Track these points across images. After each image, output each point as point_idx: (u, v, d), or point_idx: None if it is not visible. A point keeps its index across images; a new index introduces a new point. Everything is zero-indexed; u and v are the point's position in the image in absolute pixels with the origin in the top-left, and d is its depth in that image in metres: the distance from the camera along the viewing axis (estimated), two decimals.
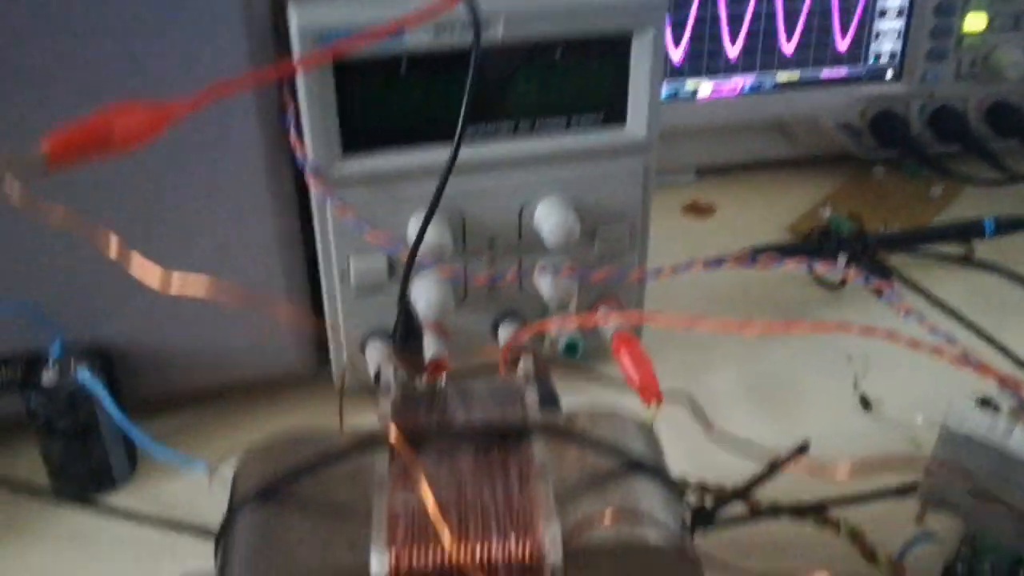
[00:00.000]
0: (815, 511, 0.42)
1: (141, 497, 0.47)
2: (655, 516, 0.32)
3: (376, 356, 0.49)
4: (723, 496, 0.37)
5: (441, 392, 0.36)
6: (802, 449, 0.36)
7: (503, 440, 0.33)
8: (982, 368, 0.42)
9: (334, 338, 0.49)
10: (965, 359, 0.41)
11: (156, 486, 0.47)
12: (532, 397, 0.35)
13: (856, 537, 0.41)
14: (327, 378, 0.52)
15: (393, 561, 0.30)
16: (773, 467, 0.36)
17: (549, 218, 0.47)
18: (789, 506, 0.42)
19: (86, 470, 0.45)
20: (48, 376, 0.44)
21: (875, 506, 0.43)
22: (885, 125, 0.70)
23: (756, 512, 0.42)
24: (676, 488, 0.34)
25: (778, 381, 0.52)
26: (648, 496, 0.33)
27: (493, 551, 0.30)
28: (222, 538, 0.33)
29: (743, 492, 0.37)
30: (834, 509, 0.42)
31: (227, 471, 0.35)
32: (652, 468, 0.34)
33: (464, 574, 0.30)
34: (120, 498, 0.46)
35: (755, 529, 0.43)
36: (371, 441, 0.33)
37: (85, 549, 0.44)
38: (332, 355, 0.50)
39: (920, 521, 0.43)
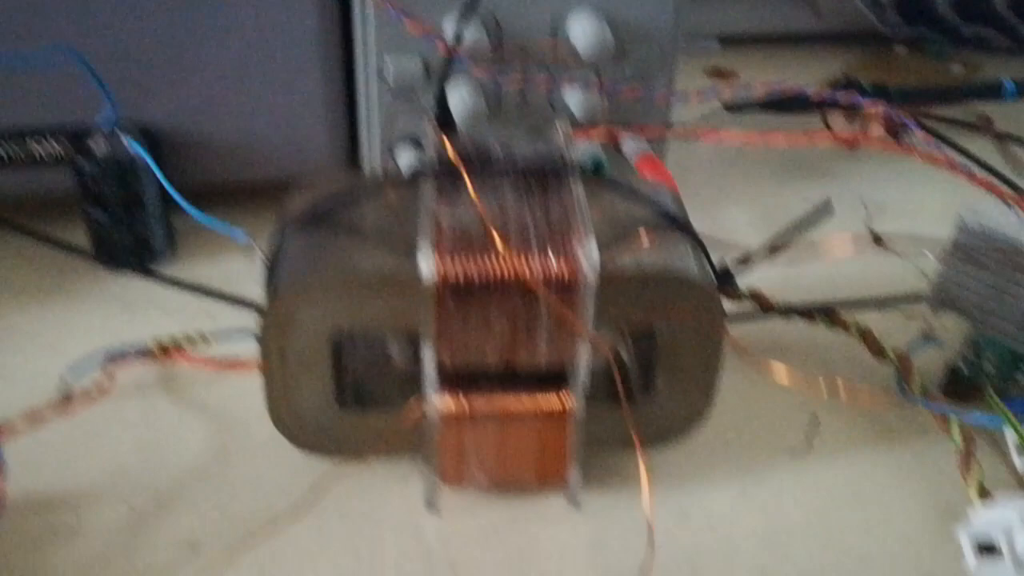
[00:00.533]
0: (825, 312, 0.44)
1: (180, 275, 0.48)
2: (684, 257, 0.34)
3: (407, 158, 0.50)
4: (746, 258, 0.38)
5: (484, 143, 0.37)
6: (825, 210, 0.38)
7: (543, 181, 0.35)
8: (995, 189, 0.44)
9: (367, 139, 0.51)
10: (980, 179, 0.43)
11: (195, 266, 0.49)
12: (572, 154, 0.37)
13: (865, 335, 0.43)
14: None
15: (440, 266, 0.32)
16: (797, 227, 0.38)
17: (583, 27, 0.48)
18: (800, 306, 0.45)
19: (129, 242, 0.47)
20: (98, 145, 0.46)
21: (883, 318, 0.46)
22: (911, 1, 0.71)
23: (768, 309, 0.45)
24: (703, 244, 0.36)
25: (793, 213, 0.54)
26: (679, 245, 0.35)
27: (533, 267, 0.32)
28: (270, 258, 0.35)
29: (768, 251, 0.39)
30: (844, 312, 0.44)
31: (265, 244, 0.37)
32: (683, 223, 0.36)
33: (507, 286, 0.32)
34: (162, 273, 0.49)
35: (765, 328, 0.46)
36: (419, 172, 0.35)
37: (129, 311, 0.46)
38: (364, 155, 0.52)
39: (926, 325, 0.46)
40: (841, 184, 0.60)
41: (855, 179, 0.59)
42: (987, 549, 0.29)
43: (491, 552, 0.35)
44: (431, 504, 0.37)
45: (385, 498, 0.37)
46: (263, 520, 0.35)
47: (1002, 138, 0.65)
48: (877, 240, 0.53)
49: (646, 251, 0.34)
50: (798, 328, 0.45)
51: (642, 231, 0.34)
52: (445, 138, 0.33)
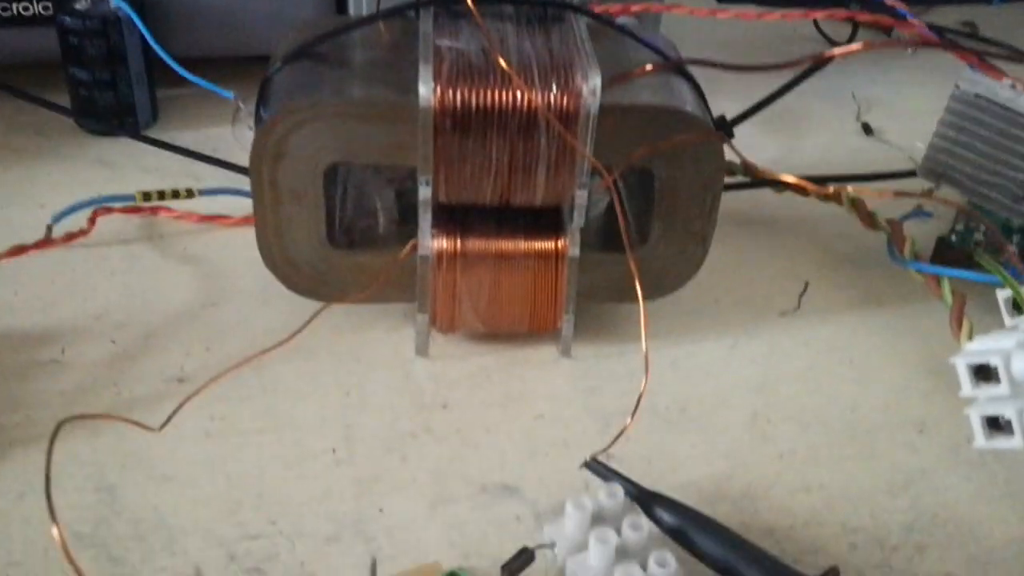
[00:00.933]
0: (818, 183, 0.44)
1: (163, 139, 0.47)
2: (684, 96, 0.34)
3: None
4: (743, 114, 0.38)
5: None
6: (820, 62, 0.38)
7: (545, 16, 0.34)
8: (988, 68, 0.44)
9: (355, 6, 0.49)
10: (970, 56, 0.43)
11: (177, 132, 0.48)
12: None
13: (856, 205, 0.43)
14: None
15: (440, 92, 0.31)
16: (796, 80, 0.38)
17: None
18: (793, 179, 0.45)
19: (112, 104, 0.46)
20: (82, 2, 0.44)
21: (873, 198, 0.46)
22: None
23: (760, 181, 0.44)
24: (702, 91, 0.36)
25: (786, 111, 0.54)
26: (680, 88, 0.35)
27: (535, 95, 0.31)
28: (261, 94, 0.34)
29: (765, 103, 0.38)
30: (835, 185, 0.44)
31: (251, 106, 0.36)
32: (684, 70, 0.35)
33: (504, 114, 0.31)
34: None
35: (758, 200, 0.46)
36: (411, 4, 0.34)
37: (112, 171, 0.45)
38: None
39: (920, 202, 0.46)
40: (833, 82, 0.60)
41: (846, 78, 0.59)
42: (982, 377, 0.29)
43: (483, 392, 0.35)
44: (422, 349, 0.37)
45: (375, 342, 0.37)
46: (252, 358, 0.35)
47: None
48: (867, 130, 0.54)
49: (647, 87, 0.33)
50: (789, 200, 0.45)
51: (642, 68, 0.34)
52: None
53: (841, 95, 0.57)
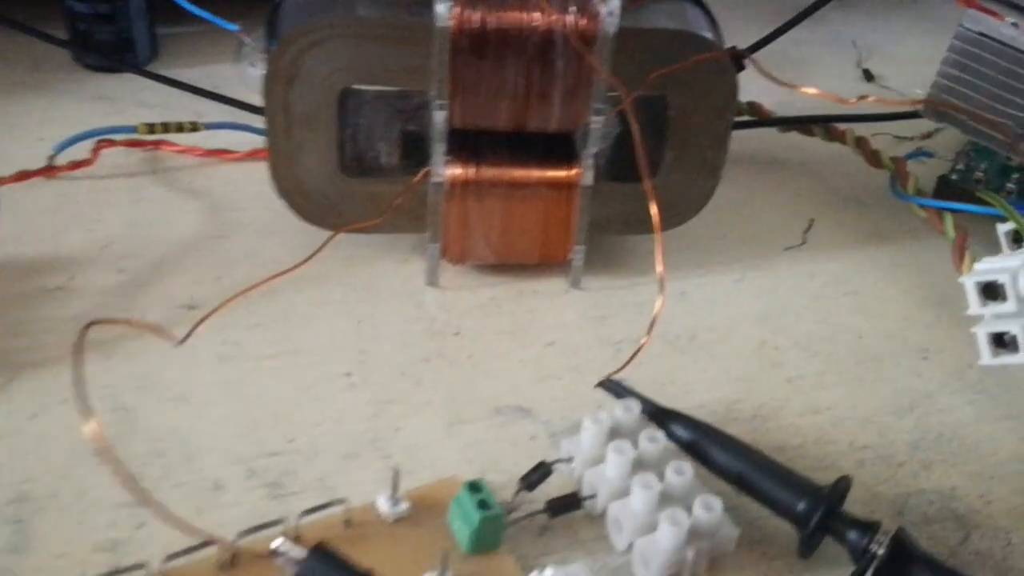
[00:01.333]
0: (824, 121, 0.44)
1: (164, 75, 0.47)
2: (700, 23, 0.34)
3: None
4: (757, 44, 0.38)
5: None
6: None
7: None
8: (986, 12, 0.44)
9: None
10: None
11: (178, 69, 0.47)
12: None
13: (861, 144, 0.43)
14: None
15: (457, 11, 0.31)
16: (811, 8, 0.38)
17: None
18: (798, 117, 0.45)
19: (111, 39, 0.45)
20: None
21: (878, 139, 0.46)
22: None
23: (765, 120, 0.45)
24: (716, 20, 0.36)
25: (786, 58, 0.53)
26: (696, 15, 0.35)
27: (554, 16, 0.31)
28: (270, 19, 0.34)
29: (778, 33, 0.38)
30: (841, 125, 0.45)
31: (256, 40, 0.36)
32: (700, 1, 0.35)
33: (522, 34, 0.31)
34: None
35: (763, 139, 0.46)
36: None
37: (113, 106, 0.45)
38: None
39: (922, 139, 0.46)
40: (833, 28, 0.60)
41: (847, 25, 0.59)
42: (989, 296, 0.30)
43: (493, 321, 0.35)
44: (433, 279, 0.37)
45: (386, 273, 0.37)
46: (264, 283, 0.34)
47: None
48: (868, 76, 0.54)
49: (663, 14, 0.33)
50: (794, 140, 0.45)
51: (656, 7, 0.34)
52: None
53: (842, 42, 0.57)
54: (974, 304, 0.30)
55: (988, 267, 0.30)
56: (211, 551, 0.24)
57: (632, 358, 0.32)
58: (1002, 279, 0.29)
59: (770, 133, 0.46)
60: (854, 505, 0.29)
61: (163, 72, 0.47)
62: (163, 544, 0.24)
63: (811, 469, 0.31)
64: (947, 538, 0.29)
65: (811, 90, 0.34)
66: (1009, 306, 0.29)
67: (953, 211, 0.39)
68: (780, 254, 0.40)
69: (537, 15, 0.31)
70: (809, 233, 0.42)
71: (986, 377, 0.35)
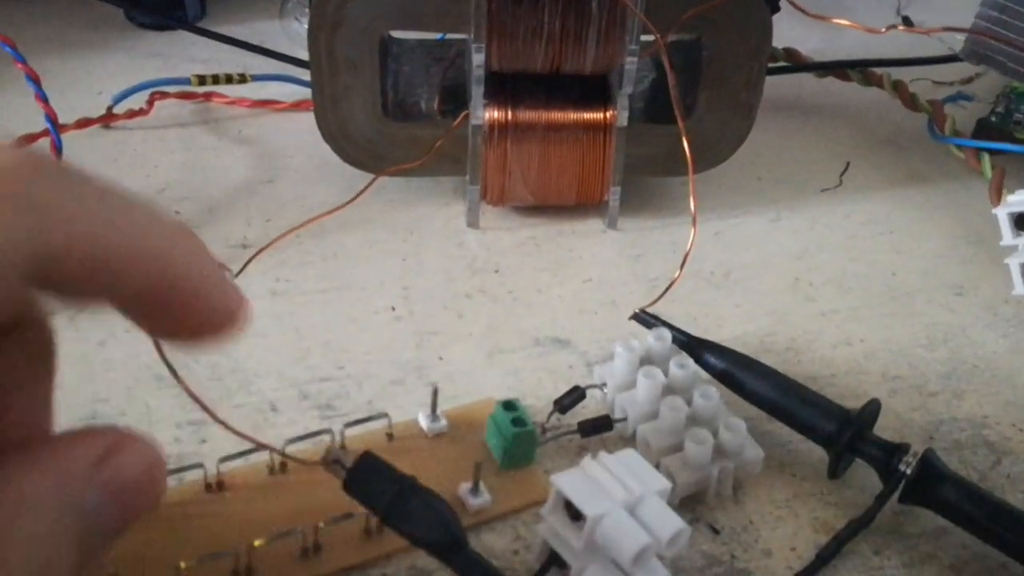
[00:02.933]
0: (861, 65, 0.44)
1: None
2: None
3: None
4: None
5: None
6: None
7: None
8: None
9: None
10: None
11: (226, 29, 0.49)
12: None
13: (898, 87, 0.43)
14: None
15: None
16: None
17: None
18: (835, 62, 0.45)
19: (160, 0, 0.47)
20: None
21: (917, 85, 0.46)
22: None
23: (803, 66, 0.45)
24: None
25: (823, 5, 0.53)
26: None
27: None
28: None
29: None
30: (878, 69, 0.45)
31: None
32: None
33: None
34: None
35: (800, 85, 0.46)
36: None
37: (163, 61, 0.47)
38: None
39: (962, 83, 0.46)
40: None
41: None
42: (1023, 227, 0.30)
43: (532, 260, 0.36)
44: (473, 221, 0.38)
45: (428, 215, 0.38)
46: (312, 220, 0.36)
47: None
48: (908, 22, 0.54)
49: None
50: (832, 86, 0.46)
51: None
52: None
53: None
54: (1007, 235, 0.30)
55: (1022, 198, 0.30)
56: (263, 456, 0.26)
57: (665, 292, 0.33)
58: None
59: (807, 79, 0.46)
60: (885, 431, 0.30)
61: (212, 29, 0.49)
62: (224, 456, 0.26)
63: (842, 397, 0.31)
64: (978, 463, 0.29)
65: (843, 21, 0.34)
66: None
67: (990, 151, 0.39)
68: (816, 195, 0.41)
69: None
70: (845, 175, 0.42)
71: (1022, 311, 0.35)
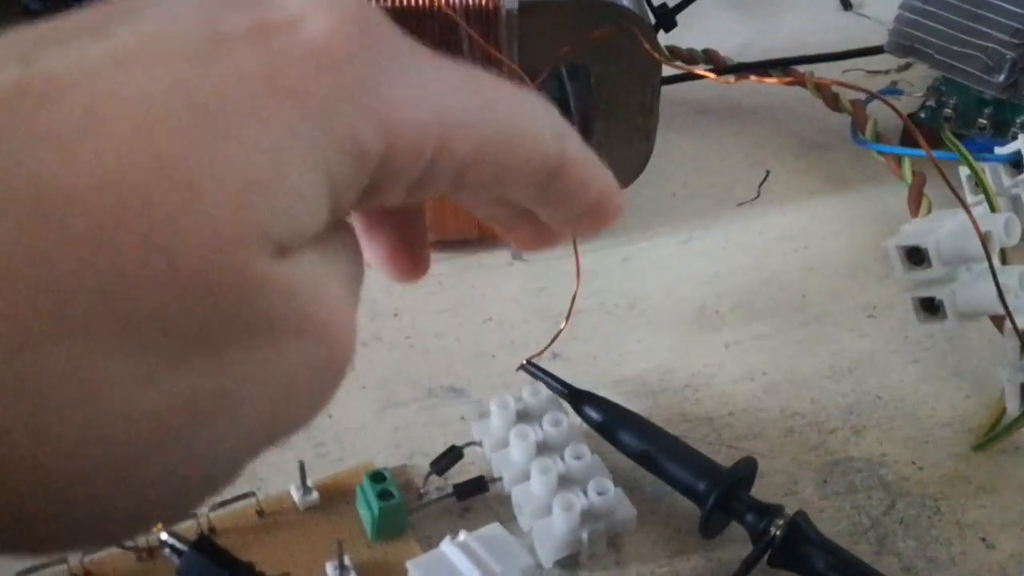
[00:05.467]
0: (782, 65, 0.43)
1: None
2: None
3: None
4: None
5: None
6: None
7: None
8: None
9: None
10: None
11: None
12: None
13: (821, 88, 0.42)
14: None
15: None
16: None
17: None
18: (756, 63, 0.43)
19: None
20: None
21: (846, 76, 0.45)
22: None
23: (722, 68, 0.43)
24: None
25: None
26: None
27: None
28: None
29: None
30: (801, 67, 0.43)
31: None
32: None
33: (422, 16, 0.31)
34: None
35: (719, 91, 0.44)
36: None
37: None
38: None
39: (892, 82, 0.45)
40: None
41: None
42: (916, 260, 0.29)
43: (434, 299, 0.36)
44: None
45: None
46: None
47: None
48: (846, 5, 0.52)
49: None
50: (753, 89, 0.44)
51: None
52: None
53: None
54: (898, 269, 0.29)
55: (914, 229, 0.29)
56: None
57: (552, 342, 0.32)
58: (924, 244, 0.28)
59: (728, 79, 0.44)
60: (776, 476, 0.29)
61: None
62: None
63: (738, 438, 0.31)
64: (871, 508, 0.29)
65: None
66: (934, 272, 0.28)
67: (911, 155, 0.38)
68: (732, 210, 0.39)
69: None
70: (765, 185, 0.41)
71: (935, 332, 0.34)
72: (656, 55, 0.32)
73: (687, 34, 0.44)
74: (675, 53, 0.42)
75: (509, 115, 0.17)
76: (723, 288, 0.36)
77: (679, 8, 0.36)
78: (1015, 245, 0.30)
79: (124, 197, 0.12)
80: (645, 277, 0.37)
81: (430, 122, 0.16)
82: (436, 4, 0.30)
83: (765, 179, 0.40)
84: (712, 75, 0.40)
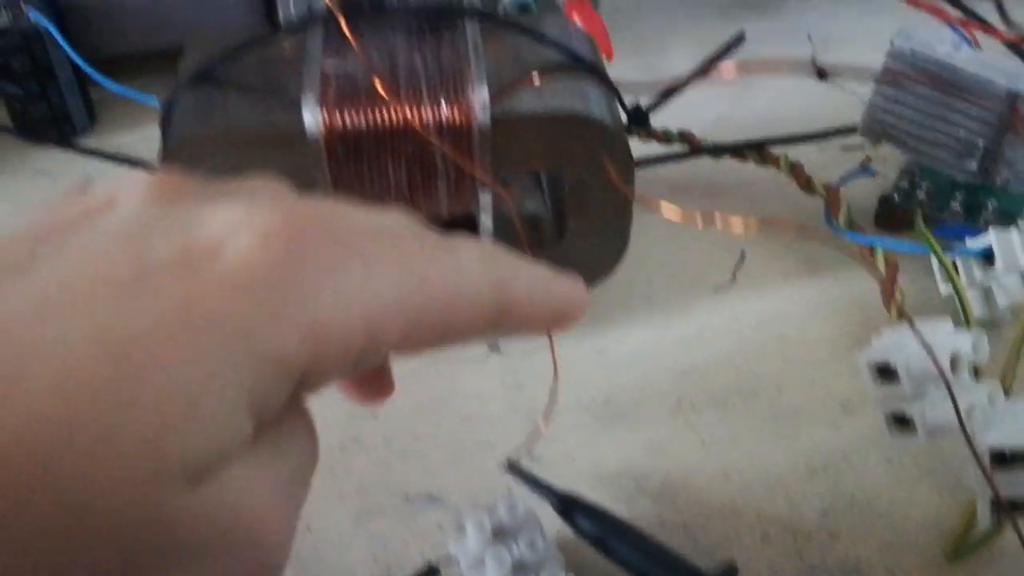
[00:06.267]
0: (757, 148, 0.43)
1: (101, 145, 0.47)
2: (585, 97, 0.33)
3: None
4: (665, 92, 0.37)
5: None
6: (738, 39, 0.37)
7: (438, 24, 0.33)
8: (936, 10, 0.42)
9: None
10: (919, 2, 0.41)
11: (115, 137, 0.48)
12: None
13: (795, 170, 0.42)
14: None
15: (326, 118, 0.31)
16: (715, 57, 0.37)
17: None
18: (730, 144, 0.44)
19: (47, 115, 0.46)
20: (1, 17, 0.44)
21: (821, 153, 0.45)
22: None
23: (697, 149, 0.44)
24: (611, 85, 0.35)
25: (735, 53, 0.52)
26: (581, 85, 0.34)
27: (424, 112, 0.31)
28: (163, 121, 0.34)
29: (682, 85, 0.38)
30: (776, 149, 0.43)
31: None
32: (588, 63, 0.34)
33: (396, 134, 0.31)
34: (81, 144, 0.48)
35: (696, 168, 0.45)
36: (306, 20, 0.33)
37: (53, 182, 0.46)
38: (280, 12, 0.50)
39: (863, 161, 0.45)
40: (788, 18, 0.58)
41: (802, 12, 0.57)
42: (889, 373, 0.29)
43: (412, 396, 0.36)
44: None
45: None
46: None
47: None
48: (822, 74, 0.52)
49: (546, 92, 0.32)
50: (729, 168, 0.44)
51: (540, 72, 0.33)
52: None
53: (798, 34, 0.55)
54: (869, 384, 0.29)
55: (885, 344, 0.29)
56: None
57: (532, 443, 0.32)
58: (895, 363, 0.28)
59: (703, 159, 0.44)
60: None
61: (102, 137, 0.48)
62: None
63: (714, 547, 0.31)
64: None
65: None
66: (904, 389, 0.28)
67: (884, 246, 0.38)
68: (707, 296, 0.40)
69: (409, 114, 0.30)
70: (741, 268, 0.41)
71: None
72: (625, 186, 0.32)
73: (662, 106, 0.44)
74: (650, 134, 0.43)
75: (444, 286, 0.18)
76: (699, 380, 0.36)
77: (653, 107, 0.36)
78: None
79: (38, 452, 0.13)
80: (621, 369, 0.37)
81: (356, 324, 0.16)
82: (409, 124, 0.30)
83: (740, 262, 0.41)
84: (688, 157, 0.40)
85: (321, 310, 0.16)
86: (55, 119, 0.46)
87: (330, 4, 0.31)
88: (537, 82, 0.31)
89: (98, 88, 0.47)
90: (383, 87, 0.30)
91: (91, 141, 0.48)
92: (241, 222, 0.16)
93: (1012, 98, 0.38)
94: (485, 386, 0.37)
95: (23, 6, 0.44)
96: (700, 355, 0.37)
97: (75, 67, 0.45)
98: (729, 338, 0.38)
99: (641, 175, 0.37)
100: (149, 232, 0.16)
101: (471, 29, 0.33)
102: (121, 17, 0.48)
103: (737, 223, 0.35)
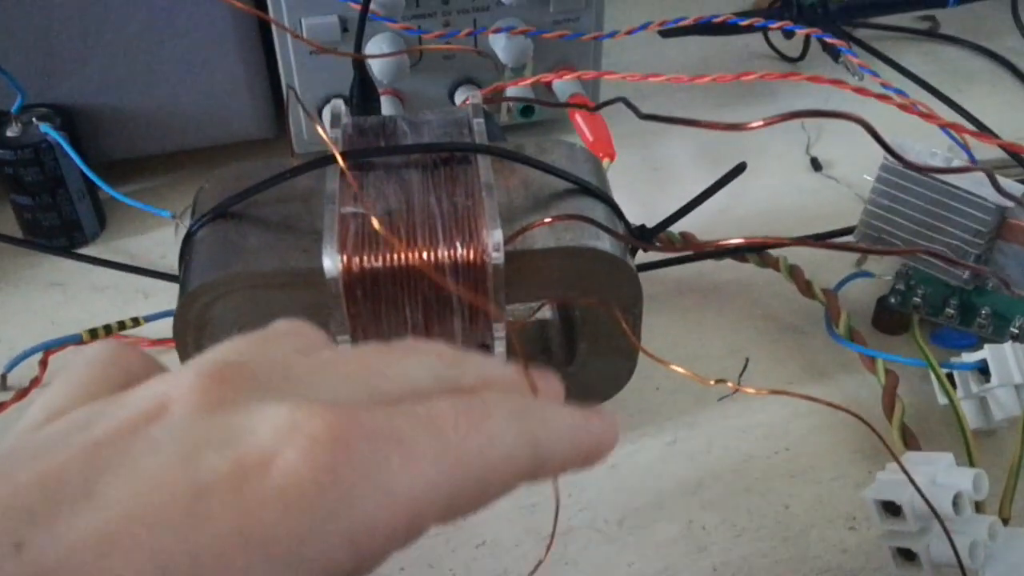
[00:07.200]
0: (757, 250, 0.44)
1: (111, 251, 0.48)
2: (594, 228, 0.34)
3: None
4: (666, 221, 0.38)
5: (391, 122, 0.36)
6: (739, 169, 0.38)
7: (449, 160, 0.34)
8: (927, 116, 0.43)
9: (292, 101, 0.49)
10: (911, 107, 0.42)
11: (125, 241, 0.49)
12: (480, 126, 0.36)
13: (794, 273, 0.43)
14: (288, 144, 0.53)
15: (345, 263, 0.32)
16: (715, 187, 0.38)
17: None
18: (731, 246, 0.44)
19: (57, 223, 0.46)
20: (12, 130, 0.45)
21: (817, 253, 0.46)
22: None
23: (699, 252, 0.45)
24: (617, 208, 0.36)
25: (731, 145, 0.53)
26: (589, 212, 0.35)
27: (439, 254, 0.32)
28: (183, 255, 0.35)
29: (685, 211, 0.39)
30: (776, 251, 0.44)
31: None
32: (594, 189, 0.35)
33: (412, 275, 0.32)
34: (91, 251, 0.48)
35: (698, 269, 0.46)
36: (320, 162, 0.34)
37: (64, 293, 0.46)
38: (290, 118, 0.51)
39: (858, 263, 0.46)
40: (783, 105, 0.59)
41: (797, 100, 0.58)
42: (893, 511, 0.30)
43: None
44: None
45: None
46: None
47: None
48: (816, 165, 0.53)
49: (558, 226, 0.33)
50: (730, 267, 0.45)
51: (550, 206, 0.34)
52: (324, 133, 0.32)
53: (792, 124, 0.56)
54: (876, 520, 0.30)
55: (889, 480, 0.30)
56: None
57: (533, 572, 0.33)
58: (900, 501, 0.29)
59: (704, 262, 0.45)
60: None
61: (112, 244, 0.49)
62: None
63: None
64: None
65: None
66: (910, 525, 0.29)
67: (884, 358, 0.39)
68: (713, 405, 0.40)
69: (426, 257, 0.31)
70: (744, 374, 0.42)
71: None
72: (631, 335, 0.33)
73: (662, 203, 0.45)
74: (655, 245, 0.44)
75: (480, 462, 0.19)
76: (709, 498, 0.37)
77: (657, 229, 0.37)
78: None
79: None
80: (633, 485, 0.37)
81: (399, 519, 0.18)
82: (424, 266, 0.31)
83: (744, 369, 0.42)
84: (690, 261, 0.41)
85: (366, 515, 0.17)
86: (65, 227, 0.47)
87: (341, 162, 0.31)
88: (557, 218, 0.32)
89: (112, 183, 0.47)
90: (398, 240, 0.31)
91: (102, 246, 0.49)
92: (287, 428, 0.17)
93: (1002, 211, 0.40)
94: (500, 507, 0.36)
95: (34, 120, 0.45)
96: (708, 469, 0.38)
97: (85, 175, 0.46)
98: (736, 452, 0.38)
99: (645, 277, 0.38)
100: (202, 448, 0.17)
101: (483, 165, 0.34)
102: (131, 123, 0.48)
103: (749, 391, 0.36)
